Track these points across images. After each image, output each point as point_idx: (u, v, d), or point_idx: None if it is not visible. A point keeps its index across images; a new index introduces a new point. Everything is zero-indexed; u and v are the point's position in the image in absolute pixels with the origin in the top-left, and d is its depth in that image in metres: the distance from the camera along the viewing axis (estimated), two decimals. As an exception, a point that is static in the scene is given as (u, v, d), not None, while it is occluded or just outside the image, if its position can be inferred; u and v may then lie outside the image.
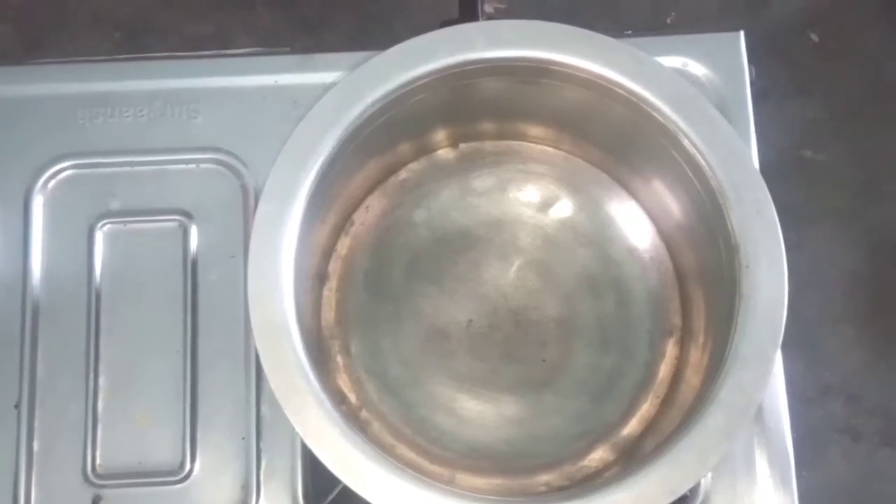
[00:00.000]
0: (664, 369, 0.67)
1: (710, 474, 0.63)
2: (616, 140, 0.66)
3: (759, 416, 0.64)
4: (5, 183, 0.68)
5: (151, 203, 0.68)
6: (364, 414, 0.65)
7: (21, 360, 0.65)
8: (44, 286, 0.67)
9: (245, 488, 0.63)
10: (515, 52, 0.60)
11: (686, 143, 0.59)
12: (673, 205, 0.66)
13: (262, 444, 0.64)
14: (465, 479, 0.63)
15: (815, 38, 1.10)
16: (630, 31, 0.72)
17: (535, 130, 0.69)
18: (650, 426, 0.65)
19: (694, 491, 0.63)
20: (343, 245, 0.69)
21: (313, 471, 0.64)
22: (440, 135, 0.69)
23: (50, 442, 0.64)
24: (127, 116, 0.69)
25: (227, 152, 0.69)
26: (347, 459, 0.53)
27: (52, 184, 0.69)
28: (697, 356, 0.64)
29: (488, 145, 0.71)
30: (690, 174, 0.60)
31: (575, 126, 0.67)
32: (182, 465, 0.64)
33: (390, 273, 0.68)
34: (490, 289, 0.68)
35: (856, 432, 0.92)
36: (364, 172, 0.68)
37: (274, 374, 0.54)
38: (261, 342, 0.55)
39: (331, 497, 0.63)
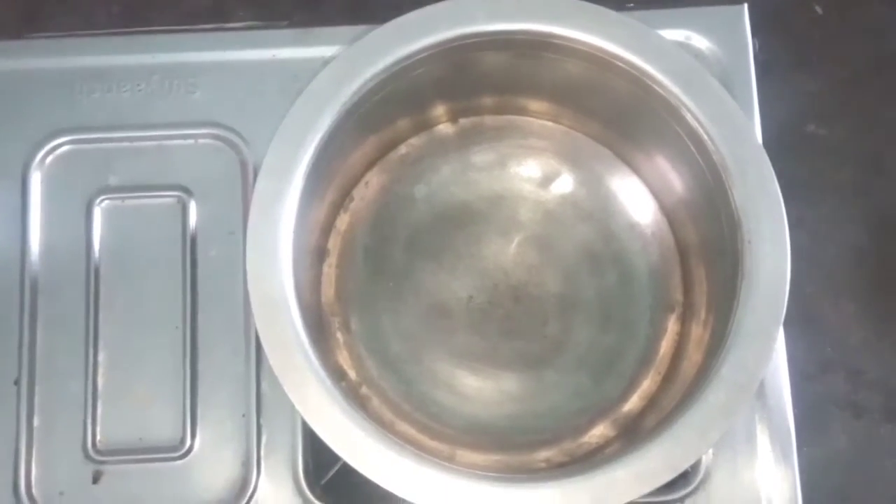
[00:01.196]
0: (665, 345, 0.66)
1: (711, 451, 0.63)
2: (618, 114, 0.66)
3: (761, 392, 0.64)
4: (2, 159, 0.68)
5: (150, 179, 0.68)
6: (364, 390, 0.65)
7: (20, 336, 0.65)
8: (42, 262, 0.67)
9: (245, 465, 0.63)
10: (516, 26, 0.60)
11: (689, 117, 0.59)
12: (675, 180, 0.65)
13: (262, 421, 0.64)
14: (464, 455, 0.63)
15: (819, 10, 1.08)
16: (632, 4, 0.71)
17: (535, 105, 0.69)
18: (651, 402, 0.65)
19: (695, 467, 0.63)
20: (342, 221, 0.69)
21: (313, 447, 0.64)
22: (440, 110, 0.69)
23: (50, 418, 0.64)
24: (125, 91, 0.69)
25: (226, 127, 0.68)
26: (347, 436, 0.53)
27: (49, 159, 0.68)
28: (699, 332, 0.63)
29: (488, 120, 0.70)
30: (693, 149, 0.59)
31: (576, 100, 0.67)
32: (182, 441, 0.64)
33: (390, 249, 0.68)
34: (490, 265, 0.68)
35: (857, 408, 0.92)
36: (363, 148, 0.67)
37: (273, 350, 0.54)
38: (260, 319, 0.55)
39: (331, 473, 0.63)
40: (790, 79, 1.06)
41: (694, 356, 0.62)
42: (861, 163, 1.04)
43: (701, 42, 0.70)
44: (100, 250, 0.67)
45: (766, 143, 0.59)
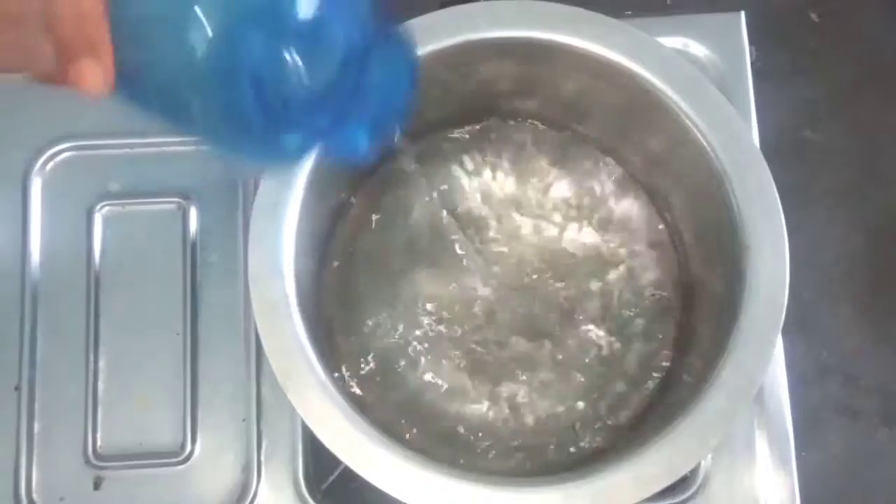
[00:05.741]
0: (665, 350, 0.66)
1: (710, 455, 0.63)
2: (616, 120, 0.66)
3: (760, 397, 0.65)
4: (4, 165, 0.68)
5: (150, 185, 0.68)
6: (365, 395, 0.65)
7: (21, 343, 0.65)
8: (43, 268, 0.67)
9: (246, 469, 0.64)
10: (516, 33, 0.60)
11: (687, 123, 0.59)
12: (674, 185, 0.66)
13: (262, 426, 0.64)
14: (466, 459, 0.63)
15: (815, 18, 1.09)
16: (630, 12, 0.71)
17: (535, 110, 0.69)
18: (650, 407, 0.65)
19: (694, 472, 0.63)
20: (343, 227, 0.69)
21: (314, 452, 0.64)
22: (441, 115, 0.69)
23: (50, 424, 0.64)
24: (125, 98, 0.69)
25: (227, 133, 0.68)
26: (348, 440, 0.53)
27: (50, 165, 0.68)
28: (698, 337, 0.64)
29: (488, 125, 0.70)
30: (691, 154, 0.60)
31: (575, 106, 0.67)
32: (183, 446, 0.64)
33: (390, 255, 0.68)
34: (489, 271, 0.68)
35: (854, 412, 0.92)
36: (364, 154, 0.67)
37: (274, 354, 0.54)
38: (261, 323, 0.55)
39: (332, 478, 0.64)
40: (787, 85, 1.06)
41: (693, 361, 0.62)
42: (857, 168, 1.04)
43: (699, 49, 0.70)
44: (100, 256, 0.67)
45: (763, 150, 0.59)
